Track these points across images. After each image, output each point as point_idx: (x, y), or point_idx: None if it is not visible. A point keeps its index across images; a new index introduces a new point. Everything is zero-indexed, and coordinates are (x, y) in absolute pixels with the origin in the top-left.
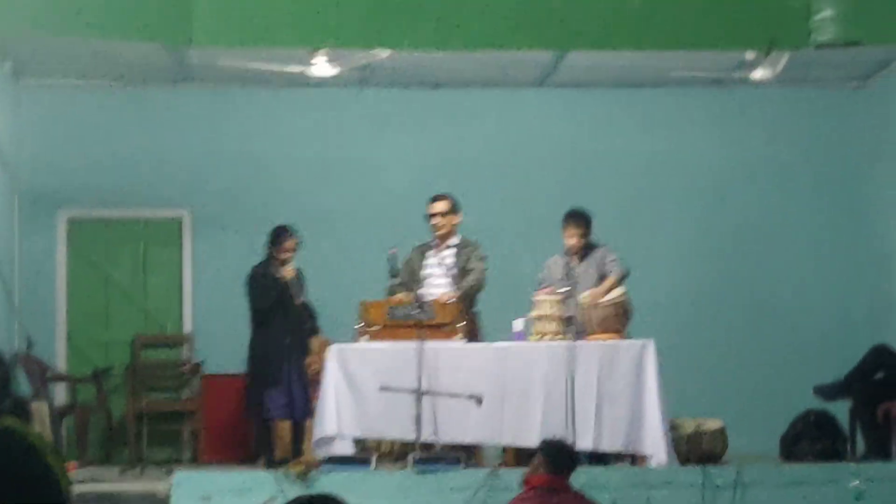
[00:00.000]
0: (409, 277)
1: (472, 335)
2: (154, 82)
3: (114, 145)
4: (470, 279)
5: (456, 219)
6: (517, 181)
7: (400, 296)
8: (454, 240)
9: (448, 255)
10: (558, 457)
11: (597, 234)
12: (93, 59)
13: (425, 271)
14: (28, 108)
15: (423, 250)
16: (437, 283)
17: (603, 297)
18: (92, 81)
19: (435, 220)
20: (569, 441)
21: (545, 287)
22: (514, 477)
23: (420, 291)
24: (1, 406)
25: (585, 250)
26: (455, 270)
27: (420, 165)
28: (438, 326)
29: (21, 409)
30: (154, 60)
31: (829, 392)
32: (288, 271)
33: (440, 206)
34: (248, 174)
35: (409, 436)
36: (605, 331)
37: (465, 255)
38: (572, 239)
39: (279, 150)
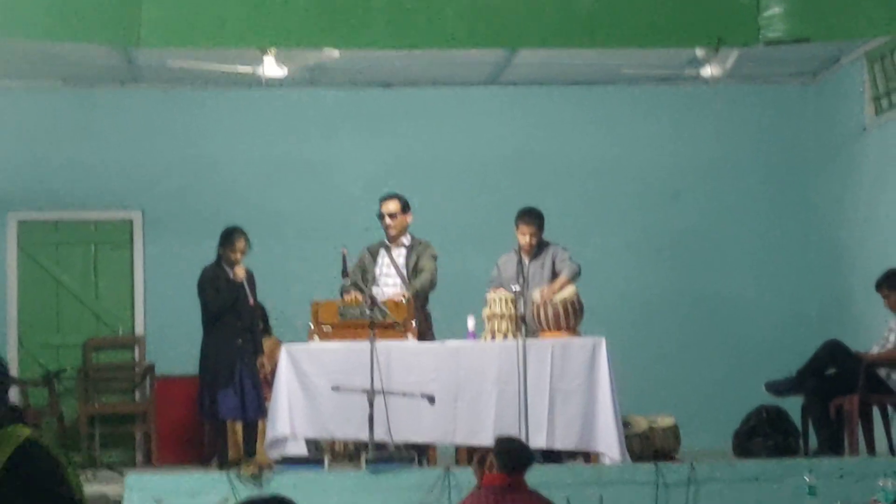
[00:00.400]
0: (362, 277)
1: (425, 334)
2: (103, 83)
3: (63, 147)
4: (421, 278)
5: (407, 218)
6: (469, 180)
7: (353, 296)
8: (406, 239)
9: (400, 255)
10: (511, 455)
11: (549, 232)
12: (41, 61)
13: (377, 271)
14: None
15: (375, 250)
16: (390, 282)
17: (555, 294)
18: (40, 82)
19: (386, 221)
20: (522, 439)
21: (497, 285)
22: (467, 476)
23: (373, 291)
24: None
25: (538, 248)
26: (407, 270)
27: (371, 165)
28: (390, 326)
29: (20, 417)
30: (103, 61)
31: (781, 388)
32: (239, 272)
33: (391, 205)
34: (199, 175)
35: (363, 436)
36: (557, 329)
37: (417, 254)
38: (525, 237)
39: (230, 150)
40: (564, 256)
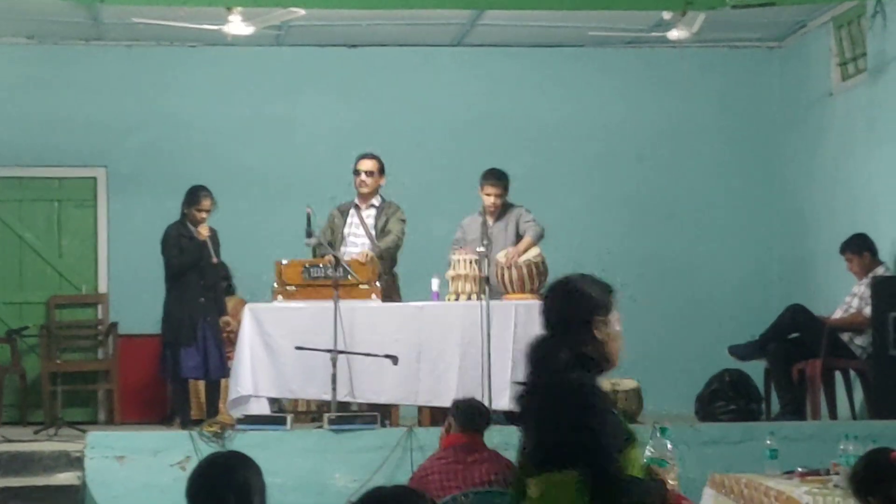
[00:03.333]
0: (332, 236)
1: (392, 296)
2: (68, 40)
3: (27, 103)
4: (387, 240)
5: (381, 180)
6: (434, 141)
7: (328, 257)
8: (376, 200)
9: (369, 216)
10: (468, 415)
11: (513, 194)
12: (6, 17)
13: (347, 230)
14: None
15: (344, 209)
16: (358, 242)
17: (519, 256)
18: (4, 39)
19: (361, 178)
20: (482, 400)
21: (461, 247)
22: (429, 436)
23: (341, 251)
24: None
25: (502, 210)
26: (376, 231)
27: (336, 125)
28: (355, 286)
29: None
30: (67, 18)
31: (743, 352)
32: (202, 230)
33: (368, 164)
34: (164, 133)
35: (325, 395)
36: (521, 291)
37: (386, 216)
38: (490, 198)
39: (195, 108)
40: (529, 218)
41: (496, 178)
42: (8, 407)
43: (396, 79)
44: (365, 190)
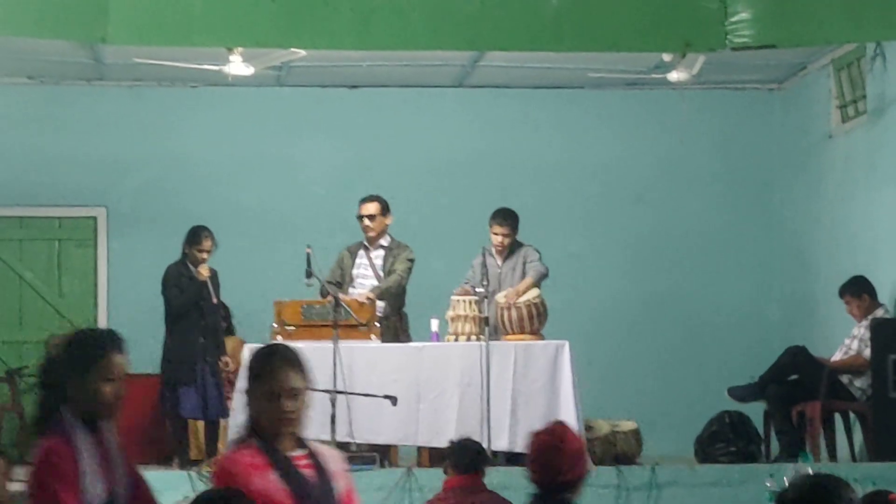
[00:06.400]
0: (341, 277)
1: (400, 336)
2: (70, 80)
3: (28, 143)
4: (389, 280)
5: (386, 220)
6: (434, 182)
7: (328, 297)
8: (384, 240)
9: (378, 256)
10: (464, 457)
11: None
12: (8, 57)
13: (355, 271)
14: None
15: (354, 250)
16: (366, 283)
17: (519, 297)
18: (6, 79)
19: (365, 222)
20: (479, 441)
21: (468, 286)
22: (428, 477)
23: (350, 290)
24: None
25: (511, 249)
26: (384, 272)
27: (337, 165)
28: (354, 327)
29: None
30: (69, 58)
31: (743, 394)
32: (203, 271)
33: (370, 207)
34: (164, 173)
35: (324, 436)
36: (520, 331)
37: (394, 256)
38: (498, 237)
39: (195, 148)
40: (534, 258)
41: (504, 217)
42: (7, 446)
43: (397, 119)
44: (371, 234)
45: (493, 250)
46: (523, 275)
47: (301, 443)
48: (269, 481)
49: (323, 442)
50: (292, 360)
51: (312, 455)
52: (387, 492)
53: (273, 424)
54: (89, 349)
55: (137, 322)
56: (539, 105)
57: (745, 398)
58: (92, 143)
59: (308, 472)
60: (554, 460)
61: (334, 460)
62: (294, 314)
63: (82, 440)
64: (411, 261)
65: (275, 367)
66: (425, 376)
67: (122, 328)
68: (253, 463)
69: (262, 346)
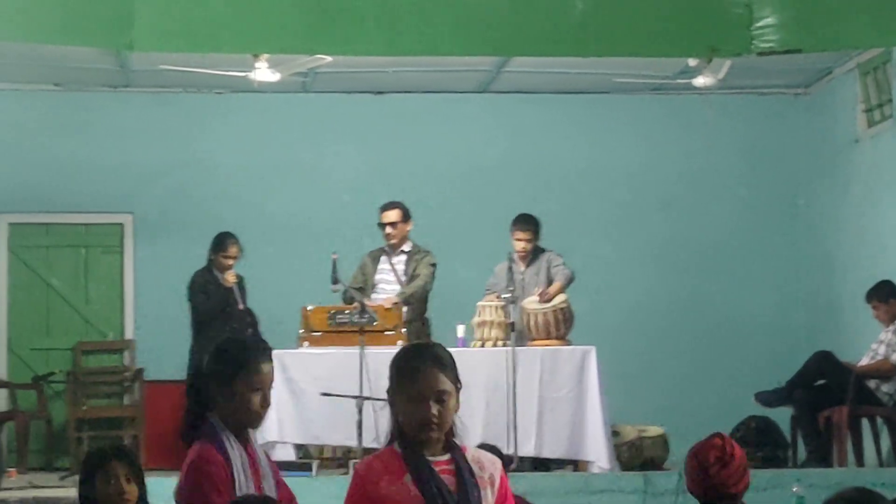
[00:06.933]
0: (363, 283)
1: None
2: (96, 87)
3: (55, 150)
4: (413, 284)
5: (407, 226)
6: (459, 187)
7: (354, 303)
8: (407, 246)
9: (400, 262)
10: None
11: (541, 241)
12: (34, 64)
13: (377, 276)
14: None
15: (376, 256)
16: (388, 289)
17: (550, 300)
18: (33, 86)
19: (387, 230)
20: (507, 445)
21: (492, 292)
22: None
23: (373, 296)
24: None
25: (533, 255)
26: (406, 277)
27: (362, 171)
28: (380, 332)
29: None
30: (96, 65)
31: (770, 399)
32: (230, 277)
33: (391, 215)
34: (190, 179)
35: (351, 442)
36: (547, 337)
37: (416, 261)
38: (521, 243)
39: (221, 155)
40: (558, 263)
41: (525, 223)
42: (34, 453)
43: (422, 125)
44: (393, 241)
45: (516, 256)
46: (547, 280)
47: (450, 447)
48: (402, 487)
49: (486, 447)
50: (442, 361)
51: (457, 461)
52: None
53: (416, 428)
54: (236, 358)
55: (164, 328)
56: (564, 110)
57: (771, 403)
58: (118, 149)
59: (448, 479)
60: (721, 474)
61: (486, 468)
62: (321, 320)
63: (231, 448)
64: (433, 266)
65: (423, 368)
66: None
67: (149, 335)
68: (388, 467)
69: (409, 344)
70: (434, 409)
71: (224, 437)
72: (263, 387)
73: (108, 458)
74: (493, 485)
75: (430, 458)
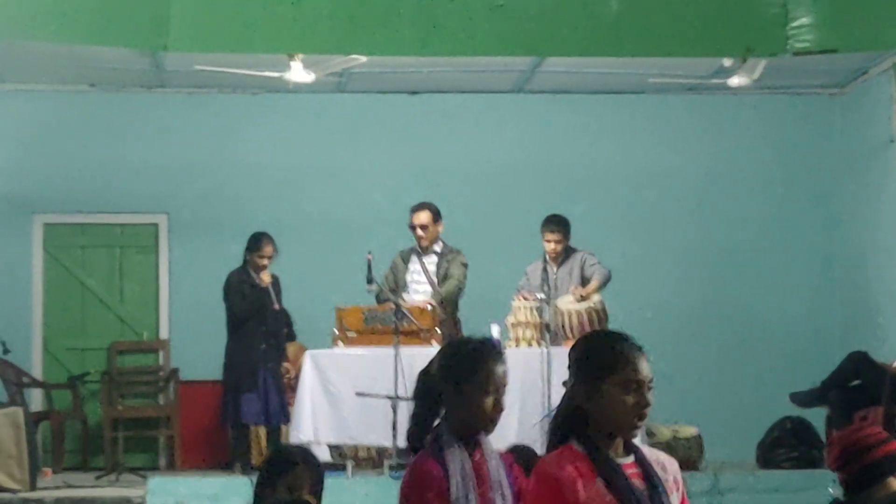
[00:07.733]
0: (395, 283)
1: None
2: (131, 87)
3: (90, 150)
4: (448, 285)
5: (438, 227)
6: (494, 187)
7: (388, 304)
8: (437, 246)
9: (431, 262)
10: (519, 463)
11: (573, 240)
12: (69, 64)
13: (409, 277)
14: (4, 113)
15: (406, 256)
16: (420, 289)
17: (587, 297)
18: (69, 86)
19: (418, 232)
20: (542, 446)
21: (524, 293)
22: None
23: (402, 297)
24: None
25: (564, 255)
26: (437, 277)
27: (397, 171)
28: (415, 332)
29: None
30: (131, 65)
31: (805, 399)
32: (265, 277)
33: (422, 217)
34: (225, 179)
35: (386, 442)
36: None
37: (448, 261)
38: (550, 244)
39: (256, 155)
40: (593, 261)
41: (555, 223)
42: (70, 452)
43: (457, 125)
44: (424, 243)
45: (547, 257)
46: (581, 279)
47: (629, 448)
48: (596, 492)
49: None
50: (642, 349)
51: (642, 463)
52: None
53: (626, 419)
54: (467, 359)
55: (199, 329)
56: (598, 110)
57: (807, 403)
58: (153, 150)
59: (637, 482)
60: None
61: (668, 469)
62: (356, 320)
63: (456, 459)
64: (465, 265)
65: (630, 354)
66: None
67: (184, 335)
68: (579, 470)
69: (600, 331)
70: (649, 398)
71: (450, 447)
72: (496, 389)
73: (296, 462)
74: (678, 488)
75: (619, 461)
